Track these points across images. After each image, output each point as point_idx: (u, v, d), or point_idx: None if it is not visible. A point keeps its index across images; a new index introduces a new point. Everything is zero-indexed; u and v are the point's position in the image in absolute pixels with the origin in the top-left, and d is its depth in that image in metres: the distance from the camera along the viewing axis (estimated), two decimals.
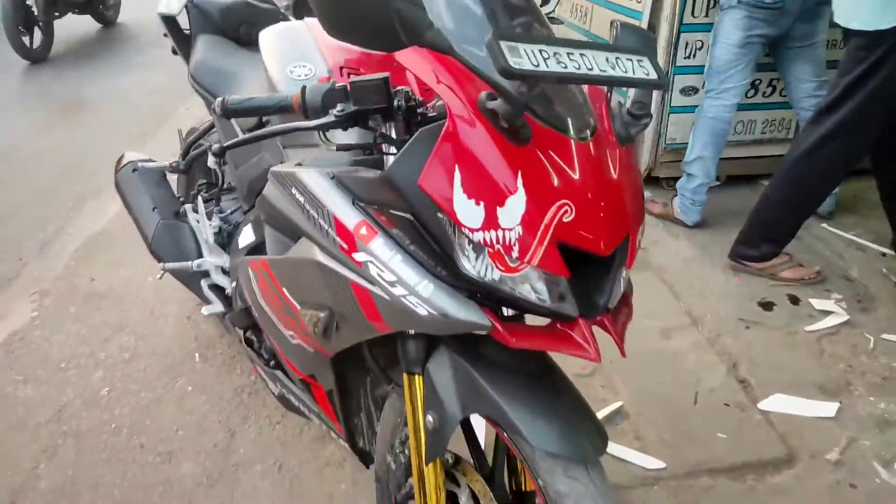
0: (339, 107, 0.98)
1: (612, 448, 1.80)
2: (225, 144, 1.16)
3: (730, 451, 1.79)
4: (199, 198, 1.93)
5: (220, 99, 1.06)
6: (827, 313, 2.27)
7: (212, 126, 2.00)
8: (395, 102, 0.97)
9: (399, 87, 0.99)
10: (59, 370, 2.15)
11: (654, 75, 0.94)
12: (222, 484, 1.76)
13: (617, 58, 0.92)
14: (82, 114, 4.47)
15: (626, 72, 0.92)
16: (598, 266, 1.00)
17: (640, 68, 0.94)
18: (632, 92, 1.08)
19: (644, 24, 2.80)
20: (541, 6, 2.75)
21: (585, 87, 1.09)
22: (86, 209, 3.18)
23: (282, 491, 1.73)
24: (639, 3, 2.84)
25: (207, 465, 1.81)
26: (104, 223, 3.03)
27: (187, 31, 2.01)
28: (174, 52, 2.16)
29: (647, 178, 3.11)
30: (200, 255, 1.94)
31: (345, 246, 1.01)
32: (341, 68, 1.29)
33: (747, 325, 2.25)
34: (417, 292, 0.95)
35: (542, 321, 1.02)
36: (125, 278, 2.62)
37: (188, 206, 2.03)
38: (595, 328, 1.03)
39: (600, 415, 1.88)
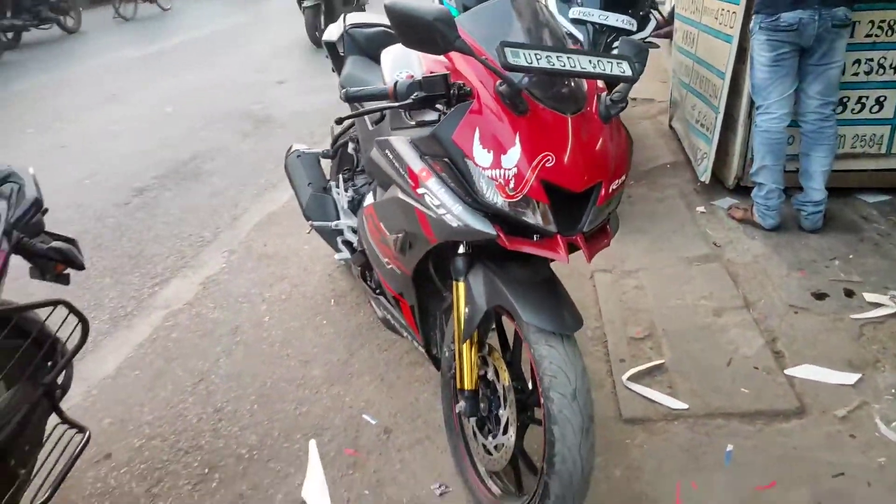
0: (415, 94, 1.54)
1: (645, 391, 2.18)
2: (338, 118, 1.76)
3: (748, 401, 2.10)
4: (340, 175, 2.60)
5: (344, 89, 1.67)
6: (877, 305, 2.45)
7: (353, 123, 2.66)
8: (451, 91, 1.51)
9: (455, 81, 1.53)
10: (237, 303, 2.92)
11: (627, 73, 1.41)
12: (340, 384, 2.37)
13: (599, 60, 1.41)
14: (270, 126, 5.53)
15: (603, 69, 1.40)
16: (578, 204, 1.46)
17: (617, 67, 1.41)
18: (621, 86, 1.52)
19: (734, 47, 3.12)
20: (637, 31, 3.23)
21: (584, 82, 1.55)
22: (265, 196, 4.06)
23: (381, 393, 2.31)
24: (731, 28, 3.16)
25: (331, 371, 2.44)
26: (278, 206, 3.87)
27: (343, 54, 2.70)
28: (333, 70, 2.87)
29: (737, 187, 3.37)
30: (338, 218, 2.60)
31: (412, 184, 1.56)
32: (431, 72, 1.86)
33: (796, 310, 2.49)
34: (452, 211, 1.47)
35: None
36: (288, 245, 3.39)
37: (333, 183, 2.71)
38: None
39: (644, 368, 2.27)
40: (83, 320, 1.63)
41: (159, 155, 4.86)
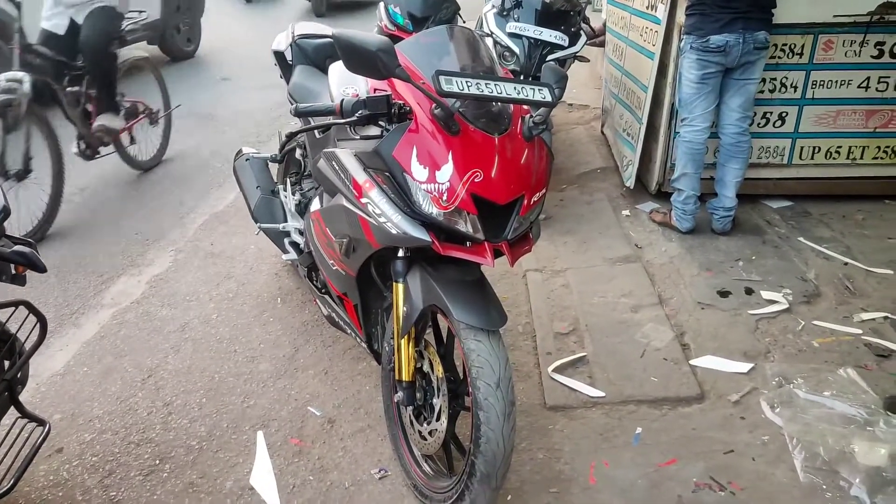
0: (360, 112, 1.70)
1: (568, 381, 2.40)
2: (289, 132, 1.91)
3: (656, 389, 2.35)
4: (287, 179, 2.73)
5: (295, 105, 1.81)
6: (772, 302, 2.75)
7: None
8: (392, 110, 1.68)
9: (396, 101, 1.69)
10: (185, 300, 3.01)
11: (547, 98, 1.60)
12: (286, 378, 2.51)
13: (522, 87, 1.60)
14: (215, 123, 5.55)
15: (525, 96, 1.59)
16: (504, 215, 1.65)
17: (538, 94, 1.61)
18: (542, 110, 1.72)
19: (656, 63, 3.39)
20: (569, 47, 3.46)
21: (510, 106, 1.74)
22: (211, 195, 4.12)
23: (325, 386, 2.46)
24: (653, 46, 3.43)
25: (277, 366, 2.57)
26: (223, 205, 3.95)
27: (290, 63, 2.83)
28: (281, 77, 2.99)
29: (658, 192, 3.66)
30: (285, 221, 2.73)
31: (356, 193, 1.72)
32: (375, 90, 2.01)
33: (703, 307, 2.77)
34: (392, 220, 1.64)
35: None
36: (235, 244, 3.49)
37: (280, 187, 2.84)
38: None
39: (567, 360, 2.49)
40: (42, 319, 1.73)
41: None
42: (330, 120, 1.76)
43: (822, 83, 3.31)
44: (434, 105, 1.59)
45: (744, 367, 2.41)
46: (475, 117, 1.64)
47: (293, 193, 2.70)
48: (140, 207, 3.96)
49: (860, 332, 2.55)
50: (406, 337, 1.80)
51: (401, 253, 1.78)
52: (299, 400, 2.39)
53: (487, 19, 3.51)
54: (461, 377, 1.85)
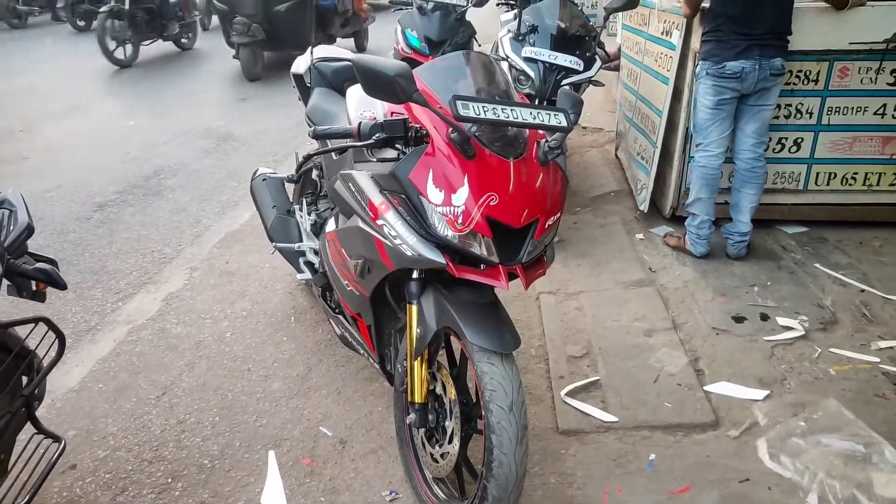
0: (377, 135, 1.72)
1: (581, 405, 2.39)
2: (306, 154, 1.93)
3: (670, 415, 2.33)
4: (304, 199, 2.76)
5: (313, 127, 1.84)
6: (788, 329, 2.73)
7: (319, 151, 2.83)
8: (409, 133, 1.70)
9: (413, 124, 1.72)
10: (200, 318, 3.04)
11: (563, 124, 1.62)
12: (298, 398, 2.51)
13: (538, 112, 1.61)
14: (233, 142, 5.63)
15: (541, 121, 1.60)
16: (518, 238, 1.66)
17: (554, 119, 1.62)
18: (557, 135, 1.73)
19: (671, 88, 3.41)
20: (584, 71, 3.49)
21: (526, 130, 1.76)
22: (227, 213, 4.17)
23: (337, 406, 2.46)
24: (668, 71, 3.45)
25: (290, 385, 2.58)
26: (239, 224, 3.99)
27: (309, 85, 2.87)
28: (300, 99, 3.04)
29: (672, 216, 3.65)
30: (301, 241, 2.76)
31: (372, 215, 1.74)
32: (392, 113, 2.04)
33: (717, 332, 2.75)
34: (407, 242, 1.66)
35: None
36: (250, 262, 3.52)
37: (297, 207, 2.87)
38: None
39: (580, 384, 2.48)
40: (60, 336, 1.75)
41: (121, 170, 4.92)
42: (348, 143, 1.79)
43: (837, 110, 3.31)
44: (450, 129, 1.61)
45: (760, 393, 2.38)
46: (491, 141, 1.66)
47: (309, 213, 2.73)
48: (156, 225, 4.01)
49: (878, 360, 2.52)
50: (419, 359, 1.81)
51: (415, 274, 1.80)
52: (311, 420, 2.40)
53: (503, 44, 3.55)
54: (474, 400, 1.85)
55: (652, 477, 2.09)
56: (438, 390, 1.88)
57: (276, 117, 6.27)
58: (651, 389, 2.46)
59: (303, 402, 2.49)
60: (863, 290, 2.98)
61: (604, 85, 4.06)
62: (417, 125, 1.71)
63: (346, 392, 2.54)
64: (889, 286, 2.99)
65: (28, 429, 1.79)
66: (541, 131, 1.77)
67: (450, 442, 1.82)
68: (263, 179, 3.00)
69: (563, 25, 3.44)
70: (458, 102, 1.52)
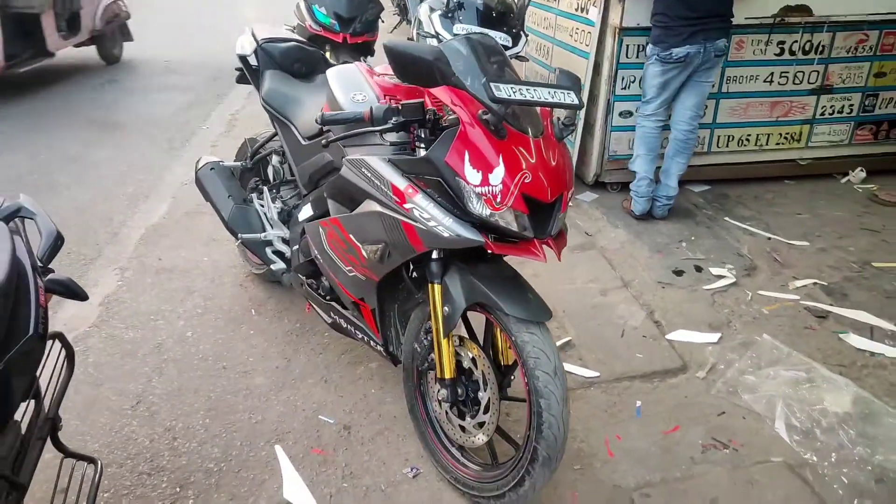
0: (393, 118, 1.73)
1: (564, 366, 2.55)
2: (332, 139, 1.88)
3: (644, 364, 2.56)
4: (265, 187, 2.66)
5: (321, 113, 1.80)
6: (721, 277, 3.08)
7: (273, 135, 2.72)
8: (427, 116, 1.72)
9: (429, 107, 1.74)
10: (150, 320, 2.84)
11: (576, 102, 1.72)
12: (287, 390, 2.46)
13: (555, 91, 1.70)
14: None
15: (560, 100, 1.69)
16: (546, 211, 1.75)
17: (567, 98, 1.71)
18: (565, 111, 1.83)
19: (591, 62, 3.63)
20: (511, 47, 3.61)
21: (539, 109, 1.85)
22: (139, 207, 3.87)
23: (329, 394, 2.44)
24: (587, 46, 3.66)
25: (274, 379, 2.52)
26: (157, 218, 3.73)
27: (255, 67, 2.74)
28: (238, 81, 2.89)
29: (595, 183, 3.92)
30: (264, 230, 2.66)
31: (397, 200, 1.75)
32: (385, 94, 2.03)
33: (663, 286, 3.04)
34: (443, 223, 1.69)
35: None
36: (185, 258, 3.32)
37: (253, 195, 2.75)
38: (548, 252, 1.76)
39: (556, 345, 2.64)
40: (70, 352, 1.61)
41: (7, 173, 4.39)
42: (365, 129, 1.76)
43: (735, 79, 3.71)
44: (482, 111, 1.66)
45: (713, 336, 2.68)
46: (516, 121, 1.73)
47: (273, 201, 2.64)
48: (64, 226, 3.62)
49: (798, 297, 2.92)
50: (448, 338, 1.86)
51: (435, 255, 1.84)
52: (307, 410, 2.36)
53: (434, 21, 3.58)
54: (499, 369, 1.94)
55: (642, 422, 2.30)
56: (466, 364, 1.95)
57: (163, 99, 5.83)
58: (620, 343, 2.68)
59: (292, 393, 2.44)
60: (769, 238, 3.41)
61: (528, 60, 4.22)
62: (433, 108, 1.73)
63: (333, 378, 2.52)
64: (789, 232, 3.45)
65: (48, 452, 1.63)
66: (548, 109, 1.87)
67: (485, 412, 1.89)
68: (211, 168, 2.83)
69: (488, 2, 3.54)
70: (493, 85, 1.58)
